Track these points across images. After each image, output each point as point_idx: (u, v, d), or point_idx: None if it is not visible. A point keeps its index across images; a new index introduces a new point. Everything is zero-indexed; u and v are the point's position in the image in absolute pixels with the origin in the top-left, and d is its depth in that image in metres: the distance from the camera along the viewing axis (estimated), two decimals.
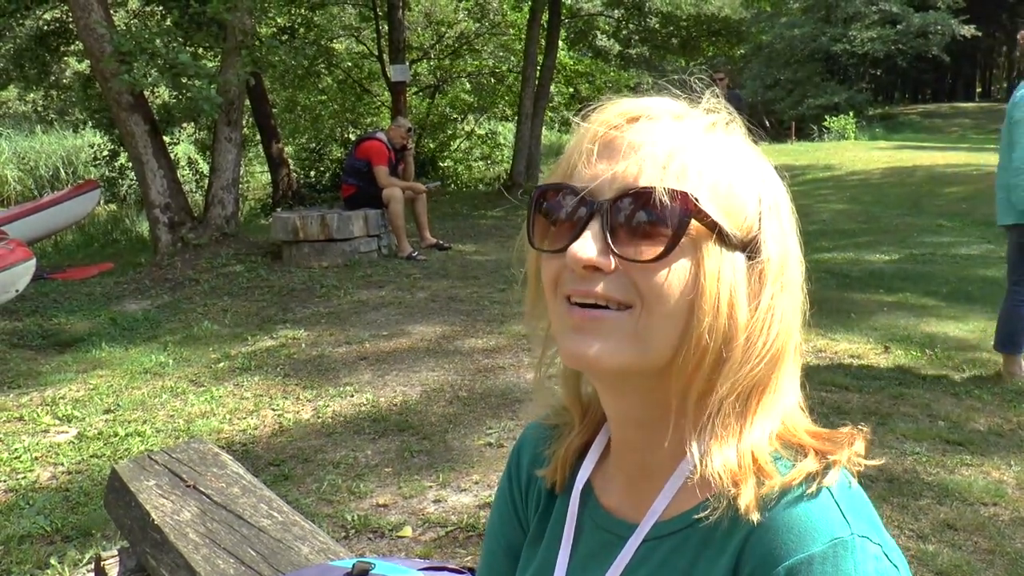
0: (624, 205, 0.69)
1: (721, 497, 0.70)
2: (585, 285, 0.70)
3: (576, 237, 0.70)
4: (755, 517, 0.68)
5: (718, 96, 0.78)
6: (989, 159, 15.00)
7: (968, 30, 29.73)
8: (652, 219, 0.69)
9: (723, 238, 0.70)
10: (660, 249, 0.68)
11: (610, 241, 0.69)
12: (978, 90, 42.41)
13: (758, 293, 0.71)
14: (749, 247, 0.71)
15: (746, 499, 0.69)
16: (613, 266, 0.69)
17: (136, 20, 11.99)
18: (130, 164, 9.58)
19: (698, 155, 0.70)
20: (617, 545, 0.79)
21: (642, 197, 0.69)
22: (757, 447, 0.71)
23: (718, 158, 0.71)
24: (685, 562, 0.73)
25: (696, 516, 0.72)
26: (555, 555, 0.85)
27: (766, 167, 0.76)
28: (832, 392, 4.33)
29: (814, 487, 0.69)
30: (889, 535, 0.71)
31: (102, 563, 2.47)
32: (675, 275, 0.69)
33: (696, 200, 0.68)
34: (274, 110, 14.79)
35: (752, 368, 0.71)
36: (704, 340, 0.69)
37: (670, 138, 0.71)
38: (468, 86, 17.44)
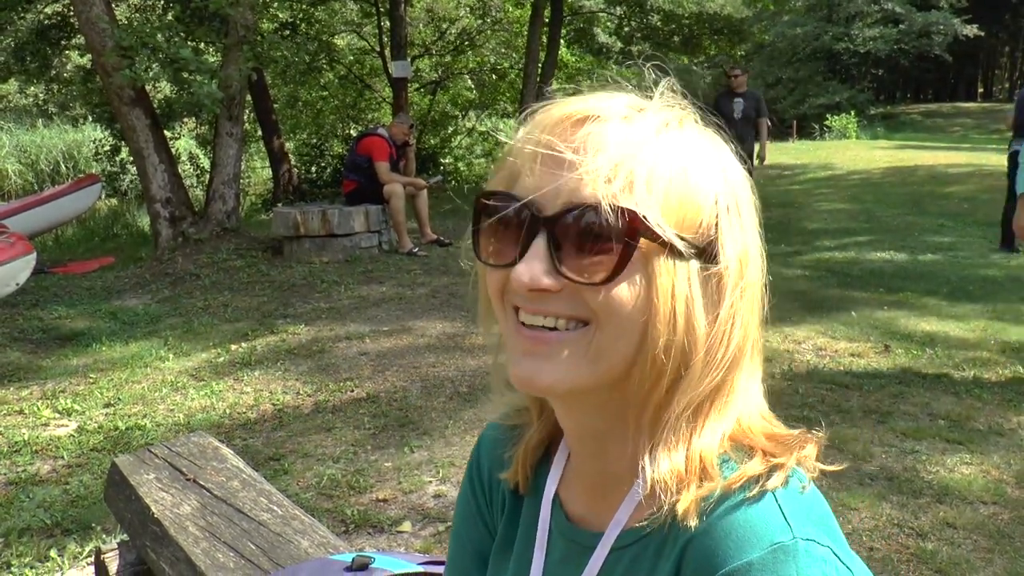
0: (569, 220, 0.65)
1: (665, 504, 0.68)
2: (534, 304, 0.67)
3: (521, 254, 0.66)
4: (693, 522, 0.66)
5: (674, 89, 0.73)
6: (991, 159, 15.02)
7: (971, 30, 29.69)
8: (599, 236, 0.64)
9: (674, 251, 0.66)
10: (608, 270, 0.65)
11: (556, 261, 0.65)
12: (980, 90, 42.35)
13: (717, 303, 0.68)
14: (705, 254, 0.67)
15: (685, 504, 0.66)
16: (559, 286, 0.66)
17: (138, 15, 11.98)
18: (131, 159, 9.58)
19: (648, 162, 0.65)
20: (583, 555, 0.77)
21: (588, 212, 0.64)
22: (706, 450, 0.69)
23: (670, 163, 0.66)
24: (644, 572, 0.72)
25: (652, 525, 0.70)
26: (527, 564, 0.83)
27: (726, 163, 0.70)
28: (832, 391, 4.33)
29: (755, 490, 0.66)
30: (843, 538, 0.68)
31: (102, 556, 2.48)
32: (626, 293, 0.65)
33: (644, 217, 0.64)
34: (275, 105, 14.78)
35: (711, 380, 0.68)
36: (659, 358, 0.66)
37: (618, 144, 0.65)
38: (470, 82, 17.43)
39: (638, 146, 0.66)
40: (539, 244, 0.66)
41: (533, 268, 0.66)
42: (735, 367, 0.70)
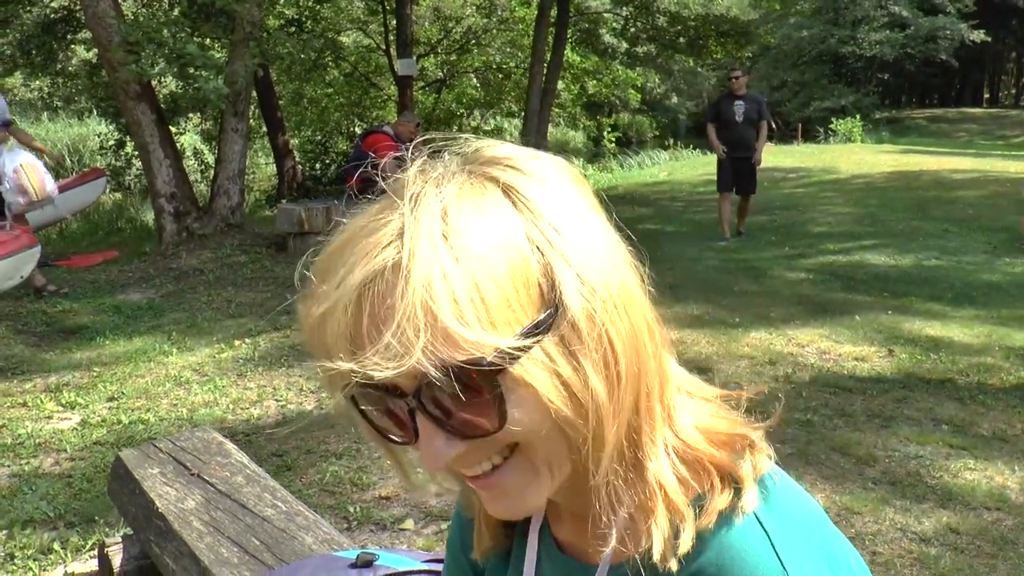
0: (428, 395, 0.60)
1: (640, 548, 0.66)
2: (463, 468, 0.65)
3: (415, 438, 0.62)
4: (673, 566, 0.64)
5: (420, 161, 0.65)
6: (996, 165, 15.01)
7: (978, 35, 29.63)
8: (460, 393, 0.59)
9: (527, 351, 0.59)
10: (496, 417, 0.60)
11: (448, 433, 0.62)
12: (986, 96, 42.31)
13: (594, 348, 0.61)
14: (552, 327, 0.60)
15: (659, 547, 0.65)
16: (467, 449, 0.63)
17: (144, 10, 11.98)
18: (136, 153, 9.58)
19: (446, 296, 0.56)
20: None
21: (434, 384, 0.58)
22: (660, 475, 0.66)
23: (462, 277, 0.57)
24: None
25: (640, 563, 0.67)
26: None
27: (524, 221, 0.61)
28: (836, 394, 4.32)
29: (739, 519, 0.64)
30: (837, 546, 0.67)
31: (106, 550, 2.48)
32: (525, 414, 0.61)
33: (482, 350, 0.57)
34: (280, 102, 14.78)
35: (624, 418, 0.64)
36: (582, 430, 0.62)
37: (411, 305, 0.56)
38: (475, 81, 17.43)
39: (429, 290, 0.56)
40: (425, 425, 0.62)
41: (437, 452, 0.62)
42: (638, 385, 0.65)
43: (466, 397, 0.59)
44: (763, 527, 0.64)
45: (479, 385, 0.59)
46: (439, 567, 1.68)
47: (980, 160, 16.24)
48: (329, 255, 0.63)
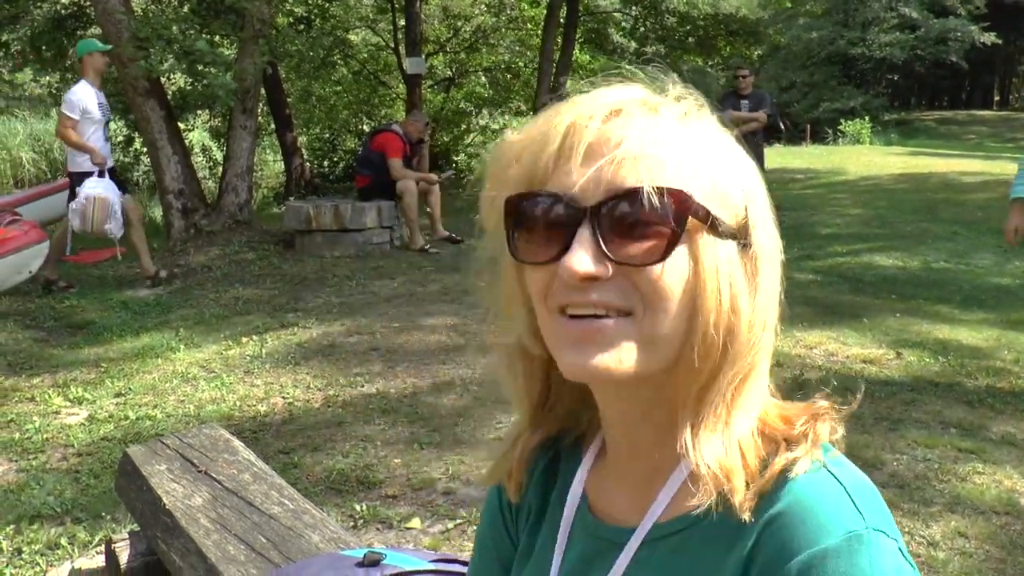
0: (613, 208, 0.66)
1: (720, 493, 0.67)
2: (581, 296, 0.67)
3: (566, 247, 0.66)
4: (758, 510, 0.66)
5: (683, 82, 0.75)
6: (1006, 167, 14.93)
7: (988, 37, 29.51)
8: (645, 220, 0.65)
9: (716, 230, 0.67)
10: (658, 252, 0.66)
11: (603, 248, 0.66)
12: (996, 98, 42.13)
13: (755, 284, 0.70)
14: (740, 236, 0.69)
15: (739, 490, 0.67)
16: (611, 273, 0.66)
17: (154, 6, 12.01)
18: (145, 149, 9.60)
19: (680, 148, 0.68)
20: (610, 551, 0.76)
21: (631, 198, 0.65)
22: (745, 432, 0.70)
23: (699, 149, 0.69)
24: (686, 563, 0.71)
25: (696, 515, 0.70)
26: (545, 566, 0.82)
27: (742, 154, 0.73)
28: (843, 397, 4.30)
29: (821, 474, 0.68)
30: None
31: (113, 546, 2.48)
32: (675, 274, 0.66)
33: (690, 195, 0.66)
34: (289, 99, 14.81)
35: (750, 359, 0.70)
36: (711, 336, 0.67)
37: (648, 132, 0.67)
38: (484, 80, 17.42)
39: (668, 132, 0.68)
40: (584, 234, 0.66)
41: (582, 258, 0.66)
42: (768, 347, 0.72)
43: (644, 227, 0.66)
44: (835, 477, 0.68)
45: (665, 217, 0.65)
46: (446, 567, 1.68)
47: (990, 162, 16.17)
48: (554, 105, 0.72)
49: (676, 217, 0.65)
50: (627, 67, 0.76)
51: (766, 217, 0.72)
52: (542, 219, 0.69)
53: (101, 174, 6.52)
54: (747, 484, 0.67)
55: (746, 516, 0.66)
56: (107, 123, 6.80)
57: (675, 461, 0.73)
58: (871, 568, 0.63)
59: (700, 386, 0.69)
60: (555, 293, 0.69)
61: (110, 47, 7.11)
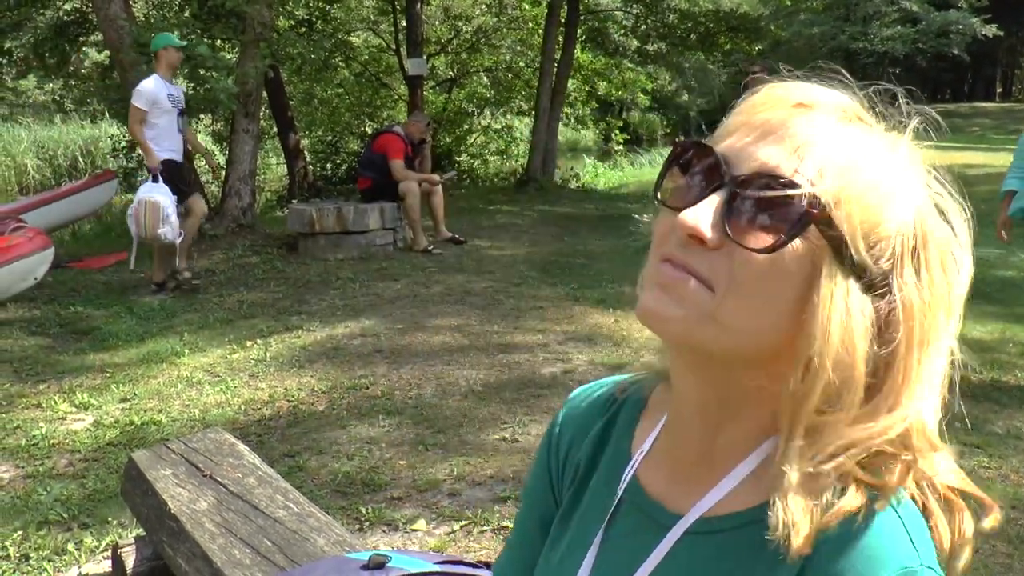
0: (752, 185, 0.65)
1: (785, 507, 0.65)
2: (683, 254, 0.67)
3: (695, 202, 0.66)
4: (820, 533, 0.64)
5: (918, 112, 0.71)
6: (1009, 160, 14.87)
7: (990, 29, 29.44)
8: (774, 209, 0.64)
9: (844, 258, 0.64)
10: (768, 242, 0.64)
11: (726, 217, 0.65)
12: (999, 90, 42.02)
13: (886, 340, 0.66)
14: (876, 281, 0.65)
15: (805, 519, 0.65)
16: (717, 243, 0.65)
17: (155, 12, 12.03)
18: None
19: (846, 164, 0.65)
20: (654, 532, 0.75)
21: (773, 183, 0.64)
22: (841, 467, 0.66)
23: (867, 175, 0.65)
24: (730, 564, 0.70)
25: (752, 520, 0.69)
26: (587, 534, 0.81)
27: (926, 205, 0.68)
28: None
29: (884, 508, 0.65)
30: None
31: (119, 551, 2.49)
32: (777, 275, 0.64)
33: (827, 205, 0.63)
34: (291, 102, 14.82)
35: (870, 421, 0.66)
36: (812, 365, 0.64)
37: (828, 135, 0.66)
38: (486, 80, 17.42)
39: (843, 146, 0.66)
40: (716, 198, 0.66)
41: (701, 216, 0.65)
42: (898, 415, 0.67)
43: (772, 214, 0.64)
44: (902, 522, 0.65)
45: (794, 215, 0.64)
46: (452, 568, 1.68)
47: (993, 155, 16.12)
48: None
49: (799, 220, 0.64)
50: (640, 70, 0.75)
51: (919, 287, 0.67)
52: (694, 169, 0.70)
53: (155, 179, 6.57)
54: (822, 506, 0.65)
55: (819, 533, 0.64)
56: (180, 114, 6.84)
57: (736, 454, 0.72)
58: None
59: (807, 411, 0.66)
60: (668, 242, 0.68)
61: (185, 43, 7.18)
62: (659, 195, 0.72)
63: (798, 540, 0.64)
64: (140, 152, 11.55)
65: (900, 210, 0.66)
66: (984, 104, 35.52)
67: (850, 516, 0.65)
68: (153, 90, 6.58)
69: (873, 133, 0.69)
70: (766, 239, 0.64)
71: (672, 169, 0.72)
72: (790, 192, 0.64)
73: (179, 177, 6.80)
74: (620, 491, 0.81)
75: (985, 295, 6.45)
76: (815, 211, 0.63)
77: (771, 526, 0.65)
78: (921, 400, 0.69)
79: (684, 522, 0.74)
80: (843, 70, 0.75)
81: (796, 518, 0.64)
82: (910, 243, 0.66)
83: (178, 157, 6.81)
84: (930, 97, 40.44)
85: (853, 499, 0.65)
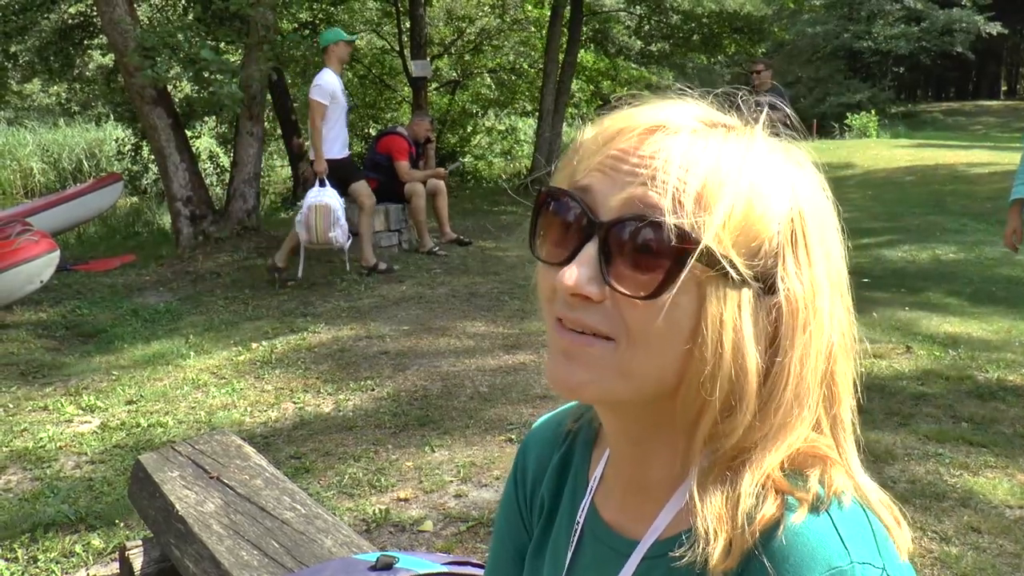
0: (622, 230, 0.63)
1: (709, 533, 0.65)
2: (574, 312, 0.66)
3: (571, 257, 0.65)
4: (744, 545, 0.64)
5: (759, 105, 0.70)
6: (1014, 158, 14.83)
7: (994, 27, 29.42)
8: (651, 250, 0.63)
9: (731, 276, 0.63)
10: (653, 284, 0.63)
11: (603, 269, 0.64)
12: (1003, 88, 41.93)
13: (772, 337, 0.65)
14: (763, 282, 0.65)
15: (724, 549, 0.64)
16: (601, 296, 0.64)
17: (159, 15, 12.07)
18: (152, 157, 9.65)
19: (710, 179, 0.63)
20: (614, 560, 0.76)
21: (642, 224, 0.63)
22: (759, 483, 0.66)
23: (735, 182, 0.63)
24: None
25: (688, 538, 0.68)
26: (559, 564, 0.83)
27: (799, 186, 0.67)
28: (853, 392, 4.29)
29: (811, 512, 0.64)
30: (897, 553, 0.66)
31: (127, 553, 2.50)
32: (669, 314, 0.63)
33: (696, 233, 0.62)
34: (295, 105, 14.84)
35: (769, 422, 0.66)
36: (706, 387, 0.64)
37: (683, 158, 0.63)
38: (489, 81, 17.44)
39: (702, 162, 0.64)
40: (590, 250, 0.65)
41: (580, 272, 0.64)
42: (797, 409, 0.67)
43: (648, 257, 0.63)
44: (833, 523, 0.64)
45: (669, 254, 0.62)
46: (459, 569, 1.68)
47: (998, 153, 16.09)
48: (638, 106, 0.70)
49: (679, 256, 0.62)
50: (643, 72, 0.74)
51: (808, 268, 0.66)
52: (562, 220, 0.68)
53: (322, 183, 6.64)
54: (730, 542, 0.64)
55: (748, 543, 0.64)
56: (348, 111, 6.94)
57: (673, 480, 0.72)
58: None
59: (707, 433, 0.67)
60: (556, 300, 0.68)
61: (355, 37, 7.27)
62: (535, 250, 0.71)
63: (716, 553, 0.64)
64: (148, 154, 11.60)
65: (774, 205, 0.65)
66: (988, 102, 35.45)
67: (773, 525, 0.64)
68: (332, 85, 6.64)
69: (729, 138, 0.66)
70: (649, 280, 0.63)
71: (540, 220, 0.70)
72: (655, 233, 0.62)
73: (352, 169, 7.08)
74: (580, 521, 0.82)
75: (990, 294, 6.44)
76: (687, 244, 0.62)
77: (688, 543, 0.65)
78: (819, 393, 0.70)
79: (641, 548, 0.74)
80: (685, 86, 0.72)
81: (711, 532, 0.64)
82: (788, 230, 0.65)
83: (346, 151, 7.10)
84: (934, 95, 40.43)
85: (773, 507, 0.65)
